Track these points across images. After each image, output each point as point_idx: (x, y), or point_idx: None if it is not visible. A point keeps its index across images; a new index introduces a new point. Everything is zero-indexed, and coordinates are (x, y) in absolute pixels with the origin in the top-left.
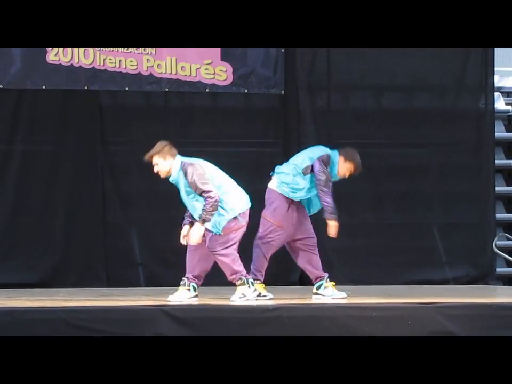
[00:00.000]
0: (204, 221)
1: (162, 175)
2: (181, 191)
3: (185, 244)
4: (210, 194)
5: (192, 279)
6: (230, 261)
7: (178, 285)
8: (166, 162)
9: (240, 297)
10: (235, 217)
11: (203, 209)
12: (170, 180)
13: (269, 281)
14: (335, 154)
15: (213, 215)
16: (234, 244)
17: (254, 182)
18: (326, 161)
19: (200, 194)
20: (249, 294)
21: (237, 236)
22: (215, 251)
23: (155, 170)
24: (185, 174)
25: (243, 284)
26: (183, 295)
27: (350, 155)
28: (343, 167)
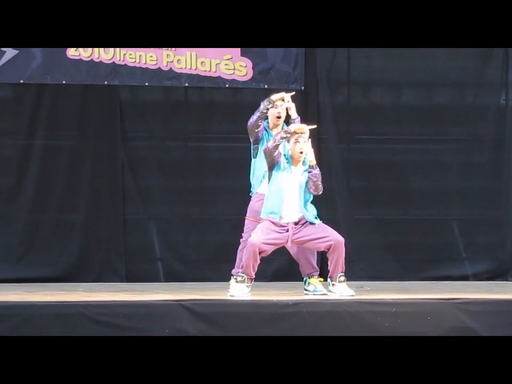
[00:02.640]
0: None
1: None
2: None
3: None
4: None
5: (252, 276)
6: None
7: (197, 280)
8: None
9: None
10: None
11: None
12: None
13: (288, 276)
14: None
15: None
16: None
17: None
18: None
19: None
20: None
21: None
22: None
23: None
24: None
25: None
26: (245, 291)
27: None
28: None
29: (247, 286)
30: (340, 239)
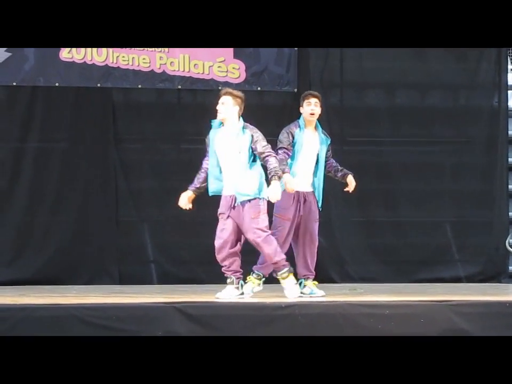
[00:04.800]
0: (279, 178)
1: (220, 116)
2: (229, 146)
3: (187, 208)
4: (273, 153)
5: (239, 276)
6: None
7: (190, 282)
8: (233, 108)
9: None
10: (263, 199)
11: (274, 166)
12: (230, 131)
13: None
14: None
15: (282, 169)
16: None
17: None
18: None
19: (262, 154)
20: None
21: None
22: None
23: (218, 107)
24: (252, 130)
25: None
26: (232, 293)
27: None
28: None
29: (235, 287)
30: (259, 236)
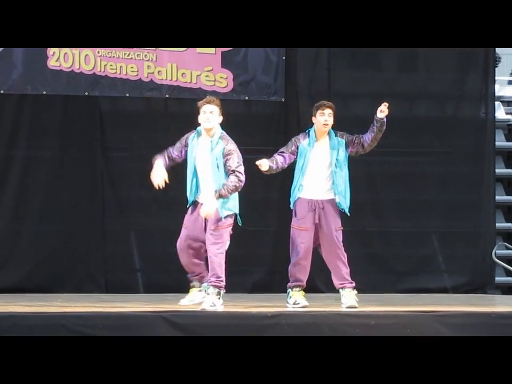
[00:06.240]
0: (220, 196)
1: (208, 124)
2: (207, 155)
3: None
4: (240, 176)
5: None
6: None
7: (176, 291)
8: (218, 118)
9: (211, 306)
10: (233, 214)
11: (225, 184)
12: (209, 141)
13: (268, 288)
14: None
15: (230, 194)
16: (226, 242)
17: (254, 190)
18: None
19: (229, 171)
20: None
21: (228, 235)
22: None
23: (208, 116)
24: (227, 142)
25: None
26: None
27: None
28: None
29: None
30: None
